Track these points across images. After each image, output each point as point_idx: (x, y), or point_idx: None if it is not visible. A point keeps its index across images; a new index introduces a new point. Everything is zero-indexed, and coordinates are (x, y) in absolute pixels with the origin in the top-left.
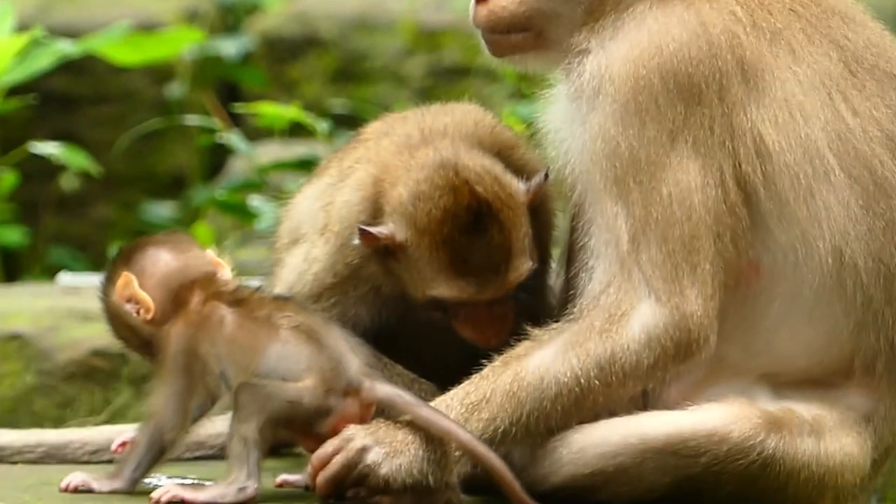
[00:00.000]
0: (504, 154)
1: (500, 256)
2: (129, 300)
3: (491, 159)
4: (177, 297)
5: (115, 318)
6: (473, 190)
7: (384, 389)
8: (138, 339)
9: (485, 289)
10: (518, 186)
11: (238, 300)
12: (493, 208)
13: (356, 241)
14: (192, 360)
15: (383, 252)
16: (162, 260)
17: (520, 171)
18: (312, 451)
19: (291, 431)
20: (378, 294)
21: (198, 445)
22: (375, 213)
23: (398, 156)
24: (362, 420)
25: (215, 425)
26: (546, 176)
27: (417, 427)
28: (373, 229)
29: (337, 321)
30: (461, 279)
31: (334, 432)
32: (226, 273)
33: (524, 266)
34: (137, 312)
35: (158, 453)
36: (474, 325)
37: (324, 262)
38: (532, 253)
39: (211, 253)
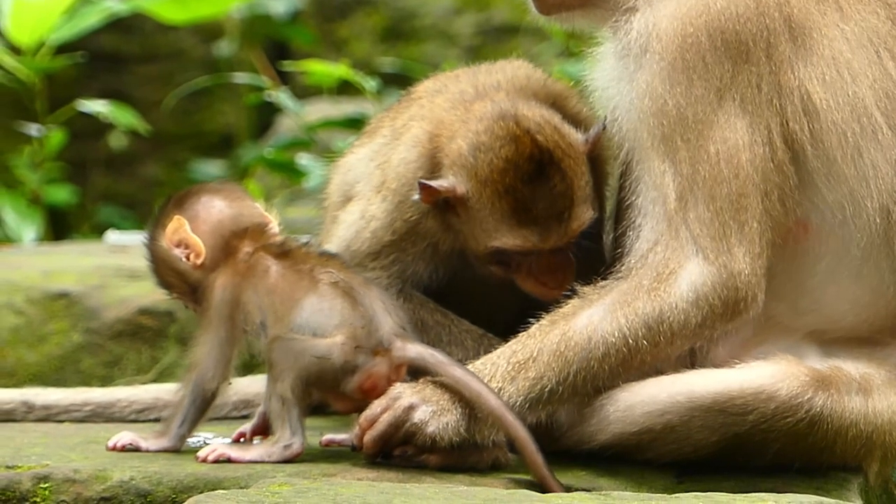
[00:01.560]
0: (558, 106)
1: (563, 204)
2: (178, 244)
3: (548, 110)
4: (227, 245)
5: (162, 263)
6: (535, 139)
7: (415, 349)
8: (184, 285)
9: (548, 237)
10: (577, 136)
11: (284, 252)
12: (554, 157)
13: (416, 197)
14: (235, 310)
15: (443, 206)
16: (216, 207)
17: (574, 122)
18: (342, 411)
19: (321, 390)
20: (435, 251)
21: (244, 404)
22: (433, 168)
23: (453, 111)
24: (391, 380)
25: (261, 384)
26: (603, 126)
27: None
28: (433, 182)
29: (396, 279)
30: (524, 228)
31: (361, 391)
32: (274, 226)
33: (586, 214)
34: (187, 258)
35: (203, 406)
36: (536, 277)
37: (382, 219)
38: (593, 202)
39: (260, 206)
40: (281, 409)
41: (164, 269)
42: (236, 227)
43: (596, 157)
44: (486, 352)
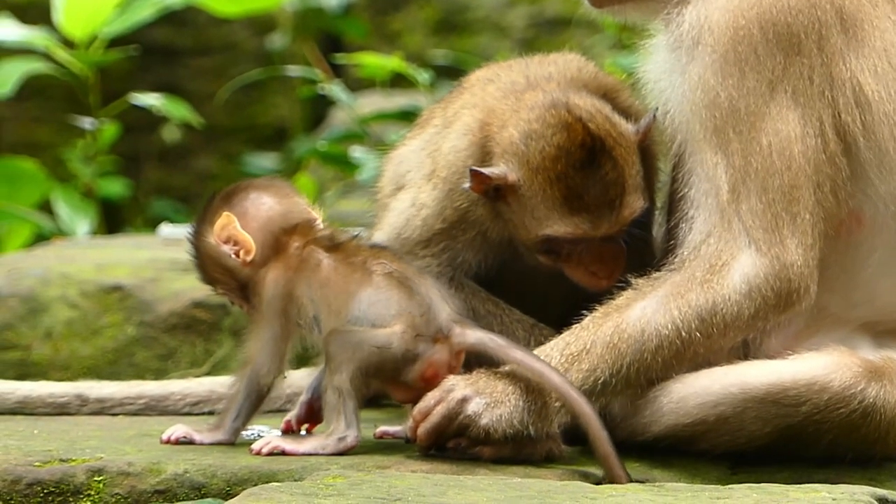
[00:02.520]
0: (609, 98)
1: (615, 192)
2: (227, 241)
3: (599, 100)
4: (277, 242)
5: (209, 260)
6: (587, 127)
7: (475, 335)
8: (231, 281)
9: (599, 225)
10: (628, 126)
11: (335, 246)
12: (606, 145)
13: (466, 185)
14: (288, 304)
15: (493, 195)
16: (265, 203)
17: (625, 114)
18: (403, 401)
19: (381, 380)
20: (485, 239)
21: (298, 397)
22: (483, 157)
23: (504, 100)
24: (452, 367)
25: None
26: (654, 117)
27: (517, 377)
28: (485, 170)
29: (447, 267)
30: (576, 215)
31: (423, 380)
32: (321, 223)
33: (637, 203)
34: (236, 254)
35: (257, 400)
36: (586, 267)
37: (432, 207)
38: (644, 191)
39: (307, 202)
40: (337, 402)
41: (211, 266)
42: (286, 224)
43: (646, 148)
44: (538, 342)
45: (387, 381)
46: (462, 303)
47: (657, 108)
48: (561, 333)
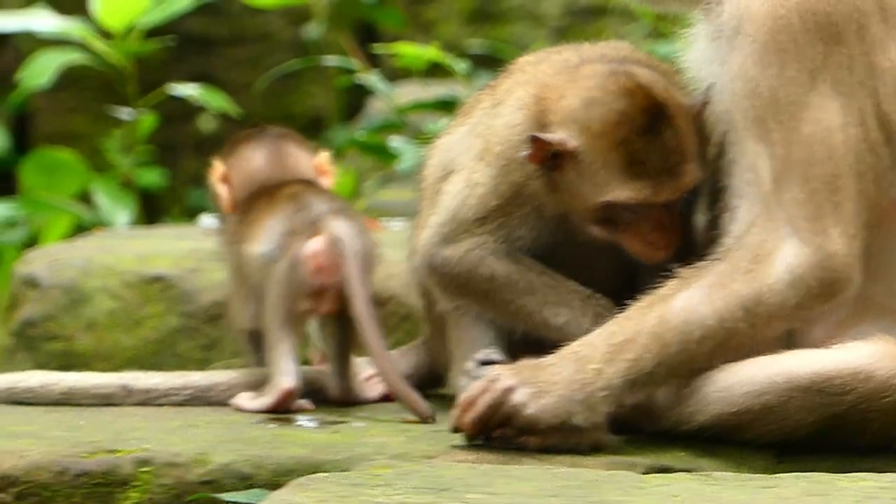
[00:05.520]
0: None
1: (676, 159)
2: (219, 183)
3: (656, 72)
4: (245, 203)
5: (214, 196)
6: (649, 93)
7: (336, 225)
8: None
9: (660, 190)
10: (685, 98)
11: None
12: (667, 111)
13: (524, 153)
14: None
15: (550, 164)
16: (249, 165)
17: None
18: (327, 307)
19: (295, 304)
20: (540, 215)
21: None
22: (539, 130)
23: (558, 75)
24: (334, 254)
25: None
26: (708, 93)
27: (563, 366)
28: (545, 136)
29: (503, 243)
30: (637, 181)
31: (319, 273)
32: (327, 182)
33: (696, 172)
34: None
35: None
36: (644, 237)
37: (487, 184)
38: (700, 162)
39: (317, 159)
40: (270, 353)
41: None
42: (258, 186)
43: (699, 125)
44: (595, 312)
45: (301, 301)
46: (519, 276)
47: (710, 86)
48: (615, 307)
